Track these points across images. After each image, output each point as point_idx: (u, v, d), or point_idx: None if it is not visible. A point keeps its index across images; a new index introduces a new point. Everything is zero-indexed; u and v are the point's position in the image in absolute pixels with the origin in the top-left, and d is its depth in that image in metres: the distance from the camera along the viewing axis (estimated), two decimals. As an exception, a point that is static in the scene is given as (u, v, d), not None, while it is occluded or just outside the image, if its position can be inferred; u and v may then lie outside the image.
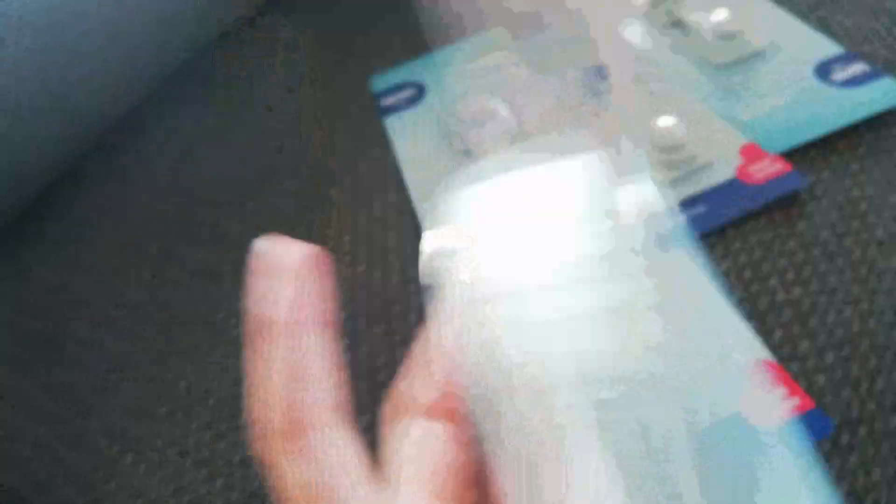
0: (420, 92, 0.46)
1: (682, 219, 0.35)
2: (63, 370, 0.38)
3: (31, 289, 0.43)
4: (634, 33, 0.45)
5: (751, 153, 0.36)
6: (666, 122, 0.38)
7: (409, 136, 0.43)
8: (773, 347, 0.30)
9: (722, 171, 0.36)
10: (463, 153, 0.41)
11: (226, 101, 0.51)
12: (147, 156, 0.49)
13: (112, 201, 0.47)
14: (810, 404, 0.28)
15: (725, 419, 0.28)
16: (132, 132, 0.50)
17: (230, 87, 0.52)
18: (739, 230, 0.34)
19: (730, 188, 0.35)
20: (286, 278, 0.18)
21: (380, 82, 0.48)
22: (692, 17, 0.44)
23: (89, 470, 0.34)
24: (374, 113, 0.46)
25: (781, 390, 0.29)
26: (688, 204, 0.35)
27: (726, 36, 0.43)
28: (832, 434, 0.28)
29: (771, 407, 0.28)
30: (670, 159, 0.37)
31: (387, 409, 0.19)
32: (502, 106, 0.42)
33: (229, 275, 0.39)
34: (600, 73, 0.41)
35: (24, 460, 0.35)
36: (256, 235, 0.42)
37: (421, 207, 0.39)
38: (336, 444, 0.17)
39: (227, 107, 0.50)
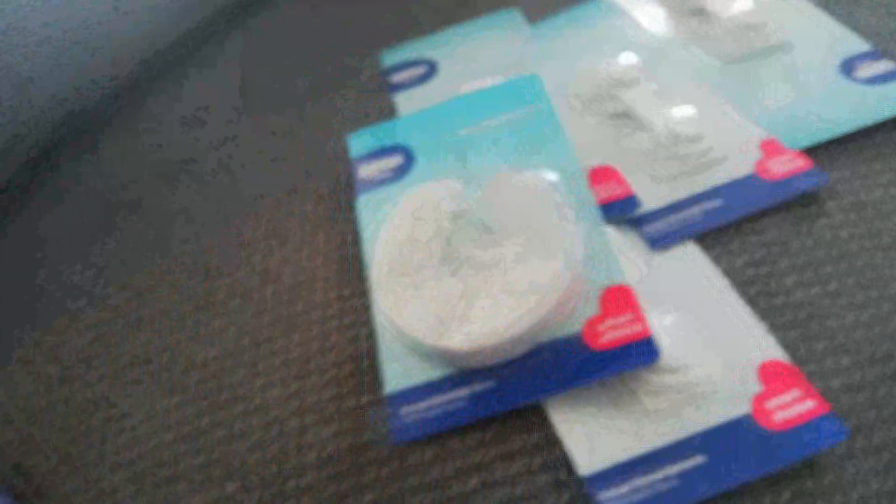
0: (431, 69, 0.45)
1: (695, 212, 0.34)
2: (44, 334, 0.37)
3: (9, 247, 0.42)
4: (654, 20, 0.44)
5: (771, 148, 0.35)
6: (681, 112, 0.37)
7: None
8: (788, 347, 0.29)
9: (739, 166, 0.35)
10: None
11: (243, 73, 0.50)
12: (155, 122, 0.47)
13: (100, 168, 0.45)
14: (825, 408, 0.27)
15: (735, 420, 0.27)
16: (142, 97, 0.49)
17: (249, 60, 0.50)
18: (756, 226, 0.33)
19: (747, 183, 0.34)
20: None
21: (390, 58, 0.47)
22: (715, 6, 0.43)
23: (74, 437, 0.32)
24: (383, 89, 0.45)
25: (795, 392, 0.28)
26: (702, 197, 0.34)
27: (749, 27, 0.41)
28: (847, 439, 0.27)
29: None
30: (685, 151, 0.36)
31: None
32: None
33: (222, 245, 0.38)
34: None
35: (10, 420, 0.34)
36: (252, 202, 0.40)
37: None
38: None
39: (244, 78, 0.49)
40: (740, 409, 0.28)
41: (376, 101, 0.44)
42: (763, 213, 0.34)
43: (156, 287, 0.37)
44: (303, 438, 0.31)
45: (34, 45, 0.43)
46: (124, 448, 0.32)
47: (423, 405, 0.30)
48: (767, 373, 0.28)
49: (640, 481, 0.26)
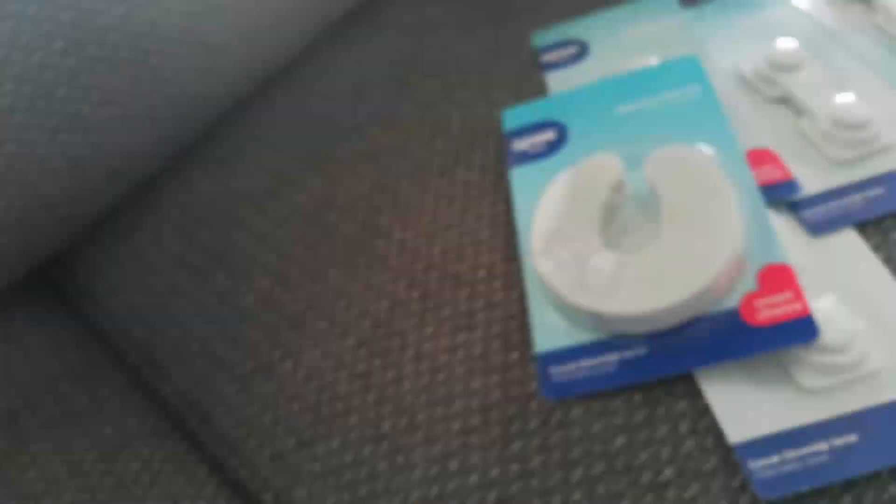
0: (583, 50, 0.46)
1: (857, 200, 0.34)
2: (228, 279, 0.40)
3: (199, 203, 0.46)
4: (815, 7, 0.43)
5: (940, 139, 0.35)
6: (846, 98, 0.37)
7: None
8: (952, 338, 0.29)
9: (906, 155, 0.35)
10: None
11: (395, 48, 0.52)
12: (315, 91, 0.51)
13: (273, 134, 0.49)
14: None
15: (889, 403, 0.28)
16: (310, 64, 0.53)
17: (402, 36, 0.53)
18: (921, 217, 0.33)
19: (913, 173, 0.34)
20: None
21: (542, 38, 0.48)
22: (883, -7, 0.42)
23: (250, 370, 0.36)
24: (535, 68, 0.46)
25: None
26: (865, 185, 0.34)
27: (918, 16, 0.40)
28: None
29: None
30: (850, 137, 0.35)
31: None
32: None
33: (390, 207, 0.41)
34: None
35: (191, 356, 0.38)
36: (414, 169, 0.43)
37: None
38: None
39: (396, 52, 0.52)
40: (894, 393, 0.28)
41: (527, 81, 0.46)
42: (929, 205, 0.33)
43: (330, 242, 0.40)
44: (453, 388, 0.33)
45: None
46: (301, 382, 0.35)
47: (572, 366, 0.32)
48: (928, 361, 0.28)
49: (791, 454, 0.27)
